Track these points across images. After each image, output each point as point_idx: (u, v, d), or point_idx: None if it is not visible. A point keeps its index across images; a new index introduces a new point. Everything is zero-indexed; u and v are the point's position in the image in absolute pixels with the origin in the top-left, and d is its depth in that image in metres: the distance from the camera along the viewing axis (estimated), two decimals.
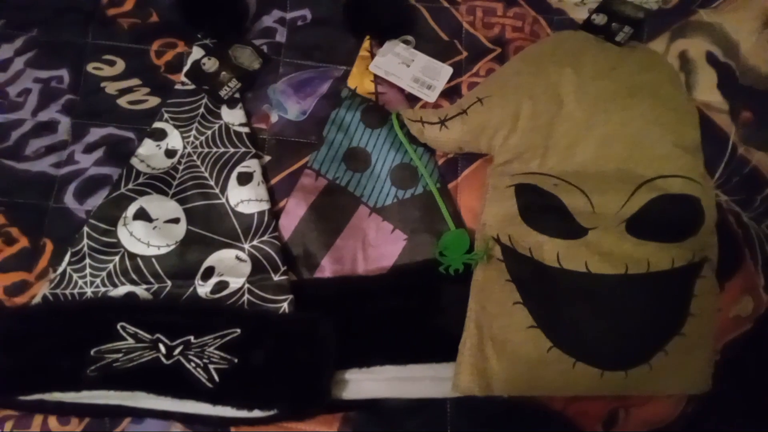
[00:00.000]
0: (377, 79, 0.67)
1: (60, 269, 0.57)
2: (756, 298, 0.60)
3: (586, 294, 0.55)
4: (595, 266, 0.55)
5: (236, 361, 0.51)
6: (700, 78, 0.66)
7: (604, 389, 0.54)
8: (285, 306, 0.55)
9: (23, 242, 0.58)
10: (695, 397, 0.56)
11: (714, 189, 0.62)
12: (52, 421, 0.53)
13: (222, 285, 0.56)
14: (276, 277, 0.56)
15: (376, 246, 0.60)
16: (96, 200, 0.60)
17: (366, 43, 0.68)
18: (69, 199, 0.60)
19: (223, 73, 0.64)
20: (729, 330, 0.59)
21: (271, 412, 0.49)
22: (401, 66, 0.67)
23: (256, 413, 0.49)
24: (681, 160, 0.61)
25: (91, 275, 0.57)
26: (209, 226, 0.59)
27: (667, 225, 0.58)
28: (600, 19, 0.68)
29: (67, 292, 0.56)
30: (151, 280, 0.56)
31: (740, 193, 0.63)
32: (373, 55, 0.67)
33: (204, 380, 0.50)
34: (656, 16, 0.69)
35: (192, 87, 0.64)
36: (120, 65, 0.65)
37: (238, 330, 0.52)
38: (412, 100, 0.67)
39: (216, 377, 0.50)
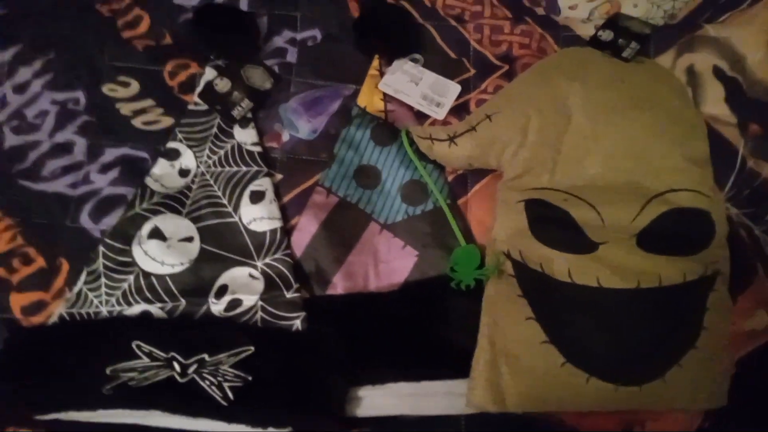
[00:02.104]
0: (386, 97, 0.68)
1: (76, 288, 0.57)
2: None
3: (599, 309, 0.55)
4: (607, 281, 0.55)
5: (250, 378, 0.51)
6: (708, 92, 0.66)
7: (619, 404, 0.54)
8: (298, 323, 0.55)
9: (40, 262, 0.59)
10: (711, 412, 0.56)
11: (724, 202, 0.62)
12: None
13: (235, 303, 0.56)
14: (289, 294, 0.56)
15: (388, 262, 0.60)
16: (111, 220, 0.61)
17: (375, 62, 0.69)
18: (85, 219, 0.61)
19: (235, 93, 0.65)
20: (743, 344, 0.59)
21: (286, 430, 0.49)
22: (410, 84, 0.68)
23: (271, 431, 0.49)
24: (690, 174, 0.61)
25: (107, 294, 0.57)
26: (222, 245, 0.59)
27: (678, 239, 0.58)
28: (606, 35, 0.69)
29: (83, 311, 0.57)
30: (166, 298, 0.57)
31: (751, 206, 0.63)
32: (382, 74, 0.68)
33: (218, 398, 0.50)
34: (663, 31, 0.70)
35: (205, 107, 0.65)
36: (134, 86, 0.67)
37: (252, 348, 0.52)
38: (421, 117, 0.67)
39: (230, 395, 0.50)
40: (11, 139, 0.64)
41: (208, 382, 0.51)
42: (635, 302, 0.55)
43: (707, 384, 0.55)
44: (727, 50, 0.68)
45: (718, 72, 0.68)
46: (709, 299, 0.56)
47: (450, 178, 0.65)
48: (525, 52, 0.71)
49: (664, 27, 0.70)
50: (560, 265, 0.57)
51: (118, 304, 0.57)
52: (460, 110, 0.67)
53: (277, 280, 0.57)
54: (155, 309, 0.57)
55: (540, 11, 0.74)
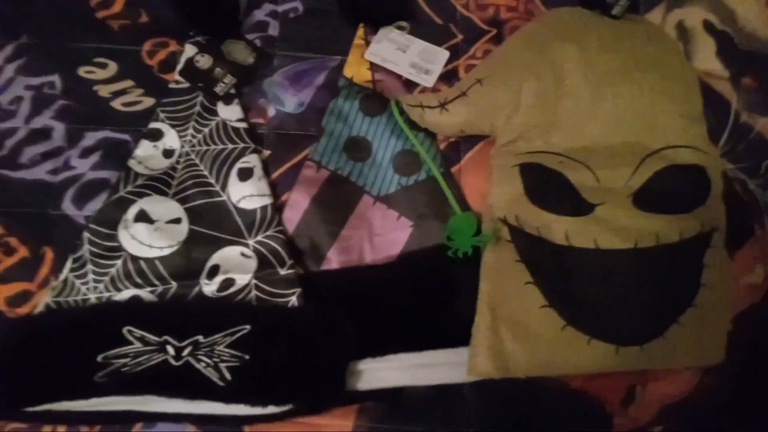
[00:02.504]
0: (374, 67, 0.66)
1: (62, 277, 0.55)
2: None
3: (597, 270, 0.55)
4: (605, 242, 0.55)
5: (247, 357, 0.49)
6: (699, 47, 0.66)
7: (621, 365, 0.54)
8: (294, 299, 0.54)
9: (23, 252, 0.57)
10: (710, 369, 0.55)
11: (719, 157, 0.62)
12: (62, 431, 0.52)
13: (228, 282, 0.55)
14: (283, 271, 0.55)
15: (383, 234, 0.59)
16: (95, 205, 0.59)
17: (360, 31, 0.67)
18: (67, 206, 0.59)
19: (218, 69, 0.63)
20: (743, 299, 0.58)
21: (287, 408, 0.48)
22: (397, 52, 0.66)
23: (271, 409, 0.48)
24: (687, 130, 0.60)
25: (94, 281, 0.55)
26: (212, 224, 0.58)
27: (674, 196, 0.57)
28: None
29: (70, 299, 0.55)
30: (156, 282, 0.55)
31: (745, 161, 0.63)
32: (368, 43, 0.67)
33: (216, 379, 0.49)
34: None
35: (187, 85, 0.63)
36: (112, 67, 0.64)
37: (248, 326, 0.51)
38: (410, 86, 0.66)
39: (228, 375, 0.49)
40: None
41: (203, 364, 0.50)
42: (633, 262, 0.55)
43: (706, 341, 0.55)
44: (717, 4, 0.67)
45: (708, 26, 0.67)
46: (707, 256, 0.56)
47: (442, 146, 0.63)
48: (512, 15, 0.69)
49: None
50: (557, 228, 0.56)
51: (107, 290, 0.55)
52: (449, 77, 0.66)
53: (270, 257, 0.56)
54: (145, 293, 0.55)
55: None
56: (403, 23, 0.68)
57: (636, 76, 0.61)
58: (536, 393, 0.54)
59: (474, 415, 0.53)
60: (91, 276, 0.55)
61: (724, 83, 0.64)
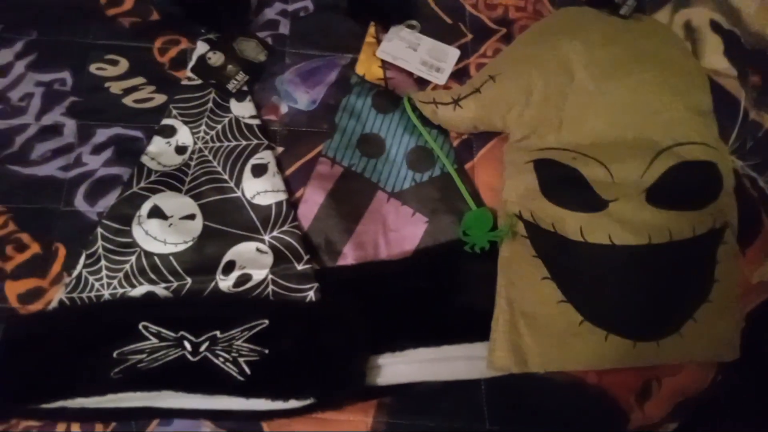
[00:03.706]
0: (385, 65, 0.66)
1: (75, 273, 0.55)
2: None
3: (612, 266, 0.55)
4: (619, 238, 0.55)
5: (267, 352, 0.49)
6: (707, 46, 0.67)
7: (637, 360, 0.54)
8: (311, 294, 0.53)
9: (35, 248, 0.56)
10: (724, 364, 0.56)
11: (729, 154, 0.62)
12: (76, 429, 0.51)
13: (245, 277, 0.55)
14: (299, 267, 0.55)
15: (397, 230, 0.59)
16: (107, 201, 0.58)
17: (372, 29, 0.67)
18: (79, 202, 0.58)
19: (230, 66, 0.63)
20: (754, 297, 0.59)
21: (308, 401, 0.48)
22: (408, 50, 0.66)
23: (292, 403, 0.48)
24: (696, 126, 0.61)
25: (108, 277, 0.55)
26: (226, 220, 0.57)
27: (687, 192, 0.58)
28: None
29: (84, 295, 0.54)
30: (170, 278, 0.55)
31: (755, 158, 0.63)
32: (379, 41, 0.67)
33: (235, 374, 0.48)
34: None
35: (199, 82, 0.63)
36: (123, 64, 0.64)
37: (266, 321, 0.51)
38: (421, 83, 0.66)
39: (247, 370, 0.48)
40: None
41: (222, 359, 0.49)
42: (648, 258, 0.55)
43: (721, 336, 0.55)
44: (722, 4, 0.68)
45: (715, 26, 0.68)
46: (719, 252, 0.56)
47: (455, 143, 0.63)
48: (521, 14, 0.70)
49: None
50: (571, 224, 0.56)
51: (121, 286, 0.55)
52: (460, 75, 0.66)
53: (286, 252, 0.55)
54: (160, 289, 0.55)
55: None
56: (414, 22, 0.69)
57: (637, 70, 0.62)
58: (553, 388, 0.54)
59: (490, 410, 0.53)
60: (104, 272, 0.55)
61: (732, 81, 0.65)
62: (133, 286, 0.55)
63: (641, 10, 0.68)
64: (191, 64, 0.64)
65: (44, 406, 0.49)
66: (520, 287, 0.55)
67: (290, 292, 0.54)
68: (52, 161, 0.60)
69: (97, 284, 0.55)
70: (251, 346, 0.50)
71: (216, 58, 0.63)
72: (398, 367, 0.52)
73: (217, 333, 0.51)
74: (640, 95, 0.61)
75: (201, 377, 0.49)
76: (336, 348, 0.50)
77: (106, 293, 0.54)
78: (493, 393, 0.54)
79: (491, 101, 0.61)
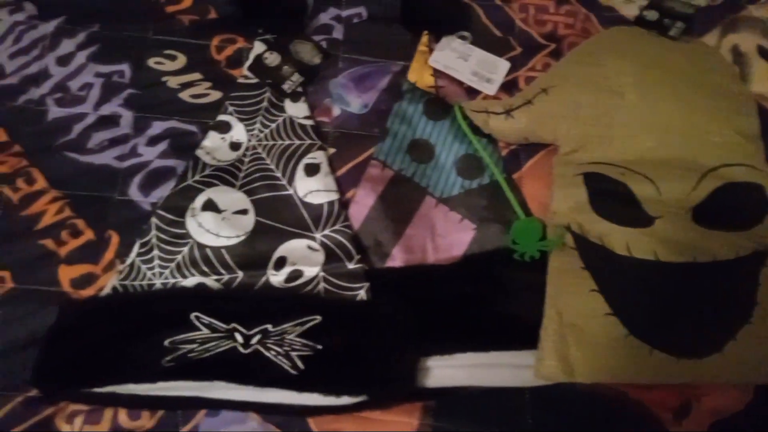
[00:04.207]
0: (436, 73, 0.67)
1: (128, 261, 0.56)
2: None
3: (657, 282, 0.55)
4: (664, 255, 0.56)
5: (320, 347, 0.50)
6: (755, 71, 0.67)
7: (681, 377, 0.54)
8: (362, 293, 0.54)
9: (89, 234, 0.57)
10: (762, 387, 0.56)
11: None
12: (123, 417, 0.51)
13: (296, 274, 0.55)
14: (350, 265, 0.55)
15: (445, 235, 0.59)
16: (161, 192, 0.59)
17: (424, 38, 0.69)
18: (134, 192, 0.59)
19: (285, 67, 0.65)
20: None
21: (360, 399, 0.48)
22: (459, 60, 0.67)
23: (344, 399, 0.48)
24: (743, 148, 0.61)
25: (160, 266, 0.56)
26: (278, 217, 0.58)
27: (732, 214, 0.58)
28: (651, 15, 0.69)
29: (136, 283, 0.55)
30: (222, 270, 0.56)
31: None
32: (431, 50, 0.68)
33: (287, 368, 0.49)
34: (706, 12, 0.71)
35: (254, 81, 0.64)
36: (181, 60, 0.65)
37: (319, 317, 0.51)
38: (471, 93, 0.67)
39: (300, 364, 0.49)
40: (55, 111, 0.62)
41: (273, 353, 0.50)
42: (692, 276, 0.56)
43: (761, 359, 0.55)
44: None
45: (762, 51, 0.69)
46: (762, 275, 0.56)
47: (503, 153, 0.64)
48: (569, 31, 0.71)
49: (706, 8, 0.71)
50: (618, 238, 0.57)
51: (172, 276, 0.55)
52: (509, 87, 0.67)
53: (338, 251, 0.56)
54: (211, 281, 0.55)
55: None
56: (465, 33, 0.70)
57: (683, 90, 0.63)
58: (595, 400, 0.54)
59: (534, 419, 0.53)
60: (157, 261, 0.56)
61: None
62: (184, 277, 0.55)
63: (689, 33, 0.69)
64: (248, 62, 0.65)
65: (94, 390, 0.50)
66: (569, 298, 0.55)
67: (341, 290, 0.54)
68: (109, 150, 0.61)
69: (149, 273, 0.55)
70: (304, 341, 0.50)
71: (272, 59, 0.65)
72: (446, 371, 0.52)
73: (269, 326, 0.51)
74: (688, 116, 0.62)
75: (253, 370, 0.49)
76: (388, 347, 0.50)
77: (158, 282, 0.55)
78: (538, 402, 0.54)
79: (543, 114, 0.62)
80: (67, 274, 0.56)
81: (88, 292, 0.55)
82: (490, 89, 0.66)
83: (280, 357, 0.49)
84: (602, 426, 0.54)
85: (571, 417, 0.54)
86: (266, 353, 0.50)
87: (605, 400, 0.54)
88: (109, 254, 0.57)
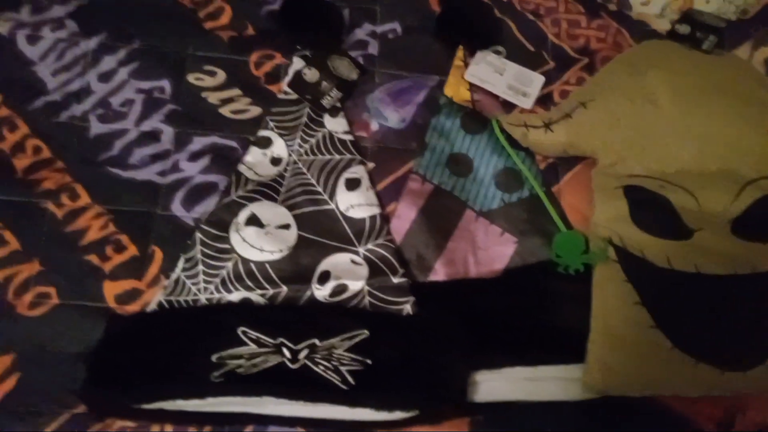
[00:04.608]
0: (472, 87, 0.68)
1: (173, 276, 0.56)
2: None
3: (699, 294, 0.55)
4: (705, 267, 0.56)
5: (369, 362, 0.50)
6: None
7: (725, 389, 0.54)
8: (407, 307, 0.54)
9: (132, 250, 0.57)
10: None
11: None
12: (169, 431, 0.51)
13: (341, 288, 0.55)
14: (395, 279, 0.56)
15: (486, 249, 0.60)
16: (203, 207, 0.59)
17: (460, 53, 0.69)
18: (176, 207, 0.60)
19: (324, 83, 0.65)
20: None
21: (412, 413, 0.48)
22: (495, 74, 0.68)
23: (396, 414, 0.48)
24: None
25: (205, 282, 0.56)
26: (320, 232, 0.58)
27: None
28: (684, 28, 0.70)
29: (181, 299, 0.55)
30: (266, 285, 0.56)
31: None
32: (466, 65, 0.69)
33: (338, 382, 0.49)
34: (737, 26, 0.71)
35: (294, 96, 0.65)
36: (221, 76, 0.66)
37: (366, 331, 0.51)
38: (507, 107, 0.68)
39: (350, 379, 0.49)
40: (97, 127, 0.62)
41: (322, 367, 0.50)
42: (733, 288, 0.56)
43: None
44: None
45: None
46: None
47: (541, 166, 0.65)
48: (602, 45, 0.72)
49: (737, 22, 0.72)
50: (658, 251, 0.57)
51: (217, 291, 0.55)
52: (545, 100, 0.68)
53: (381, 265, 0.56)
54: (255, 296, 0.55)
55: (612, 7, 0.75)
56: (500, 48, 0.70)
57: (721, 102, 0.63)
58: (641, 413, 0.54)
59: None
60: (201, 276, 0.56)
61: None
62: (229, 292, 0.55)
63: (721, 46, 0.70)
64: (288, 78, 0.66)
65: (143, 406, 0.50)
66: (614, 311, 0.55)
67: (387, 305, 0.54)
68: (151, 166, 0.61)
69: (194, 288, 0.55)
70: (353, 356, 0.50)
71: (311, 75, 0.65)
72: (494, 384, 0.52)
73: (316, 341, 0.51)
74: (725, 128, 0.62)
75: (303, 385, 0.49)
76: (440, 361, 0.50)
77: (203, 297, 0.55)
78: (585, 416, 0.54)
79: (582, 127, 0.62)
80: (111, 289, 0.56)
81: (132, 307, 0.55)
82: (527, 103, 0.67)
83: (329, 372, 0.49)
84: None
85: (618, 429, 0.54)
86: (314, 368, 0.50)
87: (651, 412, 0.55)
88: (153, 269, 0.57)
